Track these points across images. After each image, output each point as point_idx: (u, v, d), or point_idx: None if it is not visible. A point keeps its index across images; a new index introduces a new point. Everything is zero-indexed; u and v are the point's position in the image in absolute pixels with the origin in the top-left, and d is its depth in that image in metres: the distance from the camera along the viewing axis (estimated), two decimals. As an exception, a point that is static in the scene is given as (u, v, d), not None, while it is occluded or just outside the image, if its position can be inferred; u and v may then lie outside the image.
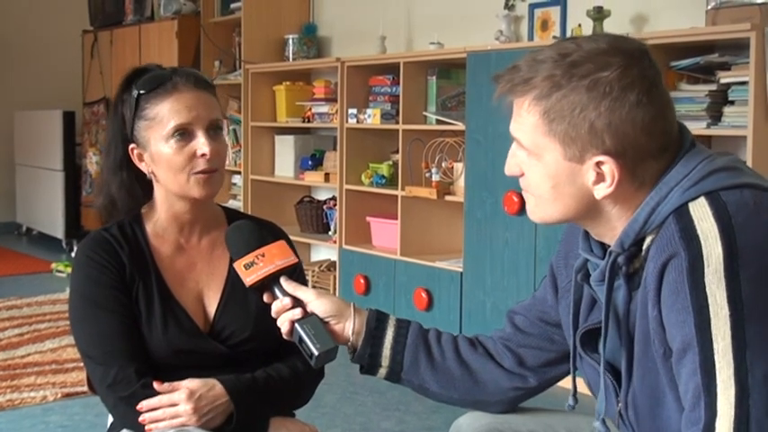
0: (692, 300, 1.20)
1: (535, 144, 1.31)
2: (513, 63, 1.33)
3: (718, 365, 1.18)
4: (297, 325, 1.52)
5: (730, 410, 1.17)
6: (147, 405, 1.65)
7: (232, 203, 5.78)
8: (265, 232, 1.63)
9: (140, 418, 1.65)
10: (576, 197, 1.32)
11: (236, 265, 1.57)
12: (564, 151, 1.29)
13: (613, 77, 1.24)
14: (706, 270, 1.19)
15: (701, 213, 1.23)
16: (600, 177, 1.29)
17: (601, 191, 1.29)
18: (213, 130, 1.72)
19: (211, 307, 1.79)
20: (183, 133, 1.69)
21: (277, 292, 1.55)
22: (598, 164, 1.28)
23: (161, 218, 1.79)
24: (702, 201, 1.24)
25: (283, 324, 1.53)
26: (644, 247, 1.30)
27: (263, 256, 1.55)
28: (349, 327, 1.56)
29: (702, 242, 1.20)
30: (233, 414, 1.67)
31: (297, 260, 1.58)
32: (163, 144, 1.69)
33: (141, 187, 1.78)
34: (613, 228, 1.34)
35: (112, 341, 1.69)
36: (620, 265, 1.33)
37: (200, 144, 1.69)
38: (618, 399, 1.42)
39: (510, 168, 1.38)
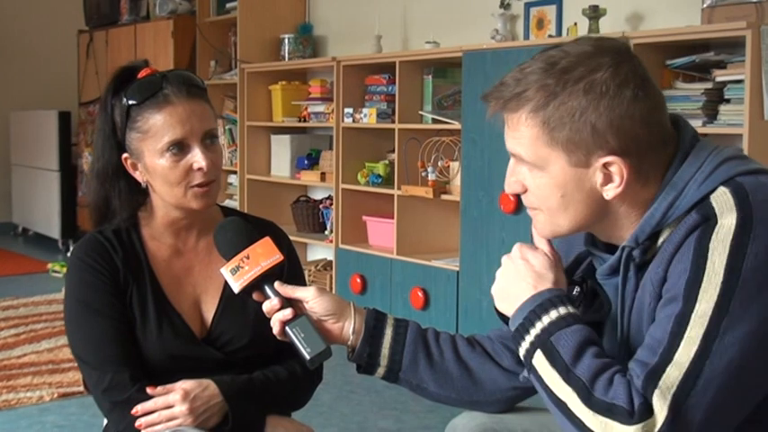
0: (693, 260, 1.22)
1: (537, 156, 1.31)
2: (500, 80, 1.33)
3: (691, 322, 1.20)
4: (287, 327, 1.50)
5: (685, 364, 1.18)
6: (143, 408, 1.64)
7: (228, 203, 5.78)
8: (251, 228, 1.59)
9: (136, 423, 1.63)
10: (586, 202, 1.32)
11: (222, 270, 1.54)
12: (569, 158, 1.29)
13: (607, 76, 1.26)
14: (713, 236, 1.22)
15: (722, 197, 1.25)
16: (608, 178, 1.29)
17: (610, 191, 1.30)
18: (209, 140, 1.69)
19: (209, 313, 1.76)
20: (179, 147, 1.66)
21: (267, 291, 1.53)
22: (605, 165, 1.28)
23: (157, 222, 1.76)
24: (722, 189, 1.26)
25: (274, 325, 1.52)
26: (660, 240, 1.31)
27: (247, 258, 1.52)
28: (348, 326, 1.55)
29: (718, 214, 1.23)
30: (228, 414, 1.66)
31: (282, 258, 1.53)
32: (158, 158, 1.66)
33: (138, 192, 1.74)
34: (621, 227, 1.35)
35: (106, 346, 1.68)
36: (633, 258, 1.33)
37: (197, 158, 1.66)
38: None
39: (511, 187, 1.37)
